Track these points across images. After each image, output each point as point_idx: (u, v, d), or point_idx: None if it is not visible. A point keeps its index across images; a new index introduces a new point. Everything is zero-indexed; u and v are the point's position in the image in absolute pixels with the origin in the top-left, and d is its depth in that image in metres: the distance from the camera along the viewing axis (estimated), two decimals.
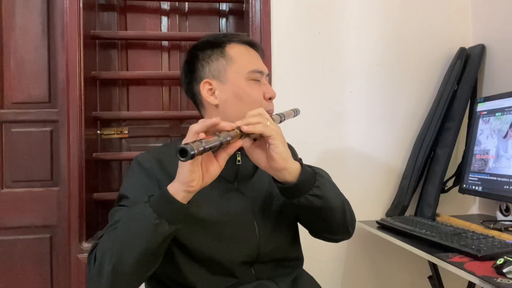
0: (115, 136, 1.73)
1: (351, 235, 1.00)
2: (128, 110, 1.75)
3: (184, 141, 0.74)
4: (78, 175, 1.51)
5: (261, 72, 0.97)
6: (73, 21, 1.51)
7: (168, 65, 1.78)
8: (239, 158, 0.97)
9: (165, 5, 1.79)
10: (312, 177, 0.87)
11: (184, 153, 0.65)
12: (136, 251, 0.77)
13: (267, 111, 0.90)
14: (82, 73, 1.52)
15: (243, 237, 0.93)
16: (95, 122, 1.68)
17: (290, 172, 0.84)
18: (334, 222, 0.93)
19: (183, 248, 0.90)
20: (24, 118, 1.64)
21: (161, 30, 1.79)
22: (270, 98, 0.97)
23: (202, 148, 0.68)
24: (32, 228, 1.64)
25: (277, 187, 0.88)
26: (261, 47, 1.03)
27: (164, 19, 1.79)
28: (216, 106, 0.95)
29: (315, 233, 1.01)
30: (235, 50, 0.97)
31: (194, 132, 0.75)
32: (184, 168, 0.75)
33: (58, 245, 1.65)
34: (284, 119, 0.97)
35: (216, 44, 0.97)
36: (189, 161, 0.73)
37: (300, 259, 1.04)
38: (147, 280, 0.97)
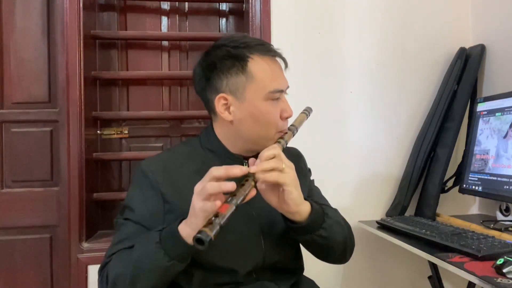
0: (115, 136, 1.73)
1: (347, 261, 1.02)
2: (128, 110, 1.75)
3: (197, 209, 0.75)
4: (78, 175, 1.51)
5: (281, 91, 0.93)
6: (73, 21, 1.51)
7: (168, 65, 1.78)
8: None
9: (165, 5, 1.79)
10: (320, 218, 0.89)
11: (201, 242, 0.66)
12: (149, 285, 0.82)
13: (281, 131, 0.93)
14: (82, 73, 1.52)
15: (249, 250, 0.93)
16: (95, 122, 1.68)
17: (300, 214, 0.86)
18: (333, 256, 0.97)
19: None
20: (24, 118, 1.64)
21: (161, 30, 1.79)
22: (286, 117, 0.95)
23: (219, 228, 0.68)
24: (32, 228, 1.63)
25: (285, 224, 0.89)
26: (284, 58, 0.97)
27: (164, 19, 1.79)
28: (230, 122, 0.93)
29: (312, 254, 1.02)
30: (257, 67, 0.90)
31: (208, 194, 0.74)
32: (198, 218, 0.76)
33: (58, 245, 1.65)
34: (297, 131, 0.96)
35: (237, 57, 0.90)
36: (203, 214, 0.74)
37: (301, 268, 1.05)
38: None
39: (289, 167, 0.84)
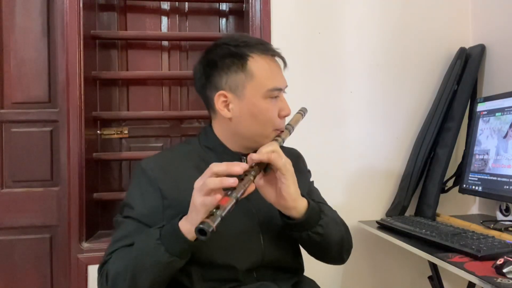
0: (115, 136, 1.73)
1: (345, 262, 1.03)
2: (128, 110, 1.75)
3: (197, 205, 0.75)
4: (78, 175, 1.51)
5: (279, 90, 0.94)
6: (73, 21, 1.51)
7: (168, 65, 1.78)
8: None
9: (165, 5, 1.79)
10: (317, 215, 0.89)
11: (203, 233, 0.67)
12: (149, 281, 0.82)
13: (278, 129, 0.93)
14: (82, 73, 1.52)
15: (249, 246, 0.93)
16: (95, 122, 1.68)
17: (297, 210, 0.86)
18: (329, 255, 0.98)
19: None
20: (24, 118, 1.64)
21: (161, 30, 1.79)
22: (284, 116, 0.96)
23: (220, 219, 0.69)
24: (32, 228, 1.63)
25: (282, 221, 0.90)
26: (283, 57, 0.98)
27: (164, 19, 1.79)
28: (229, 119, 0.93)
29: (309, 253, 1.02)
30: (256, 65, 0.92)
31: (209, 189, 0.75)
32: (198, 214, 0.76)
33: (58, 245, 1.65)
34: (293, 130, 0.97)
35: (237, 55, 0.92)
36: (204, 209, 0.75)
37: (301, 269, 1.05)
38: None
39: (288, 163, 0.85)
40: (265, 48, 0.95)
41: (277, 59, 0.97)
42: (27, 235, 1.63)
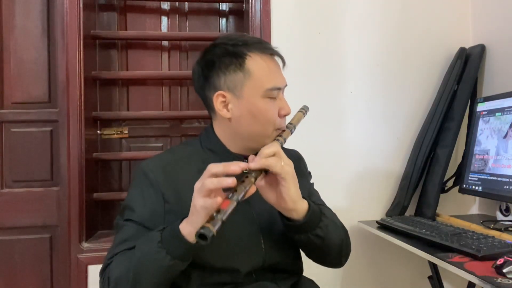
0: (115, 136, 1.73)
1: (343, 265, 1.03)
2: (128, 110, 1.75)
3: (198, 207, 0.75)
4: (78, 175, 1.51)
5: (279, 89, 0.93)
6: (73, 21, 1.51)
7: (168, 65, 1.78)
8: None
9: (165, 5, 1.79)
10: (318, 217, 0.89)
11: (204, 238, 0.67)
12: (151, 285, 0.82)
13: (279, 128, 0.93)
14: (82, 73, 1.52)
15: (250, 251, 0.93)
16: (95, 122, 1.68)
17: (298, 212, 0.86)
18: (328, 258, 0.98)
19: None
20: (24, 118, 1.64)
21: (161, 30, 1.79)
22: (284, 115, 0.95)
23: (221, 223, 0.69)
24: (32, 228, 1.63)
25: (282, 222, 0.89)
26: (282, 56, 0.97)
27: (164, 19, 1.79)
28: (229, 119, 0.93)
29: (308, 256, 1.02)
30: (255, 64, 0.91)
31: (208, 189, 0.74)
32: (199, 216, 0.75)
33: (58, 245, 1.65)
34: (295, 129, 0.97)
35: (236, 54, 0.91)
36: (204, 211, 0.74)
37: (300, 270, 1.05)
38: None
39: (288, 165, 0.84)
40: (264, 47, 0.94)
41: (276, 58, 0.96)
42: (27, 235, 1.63)
